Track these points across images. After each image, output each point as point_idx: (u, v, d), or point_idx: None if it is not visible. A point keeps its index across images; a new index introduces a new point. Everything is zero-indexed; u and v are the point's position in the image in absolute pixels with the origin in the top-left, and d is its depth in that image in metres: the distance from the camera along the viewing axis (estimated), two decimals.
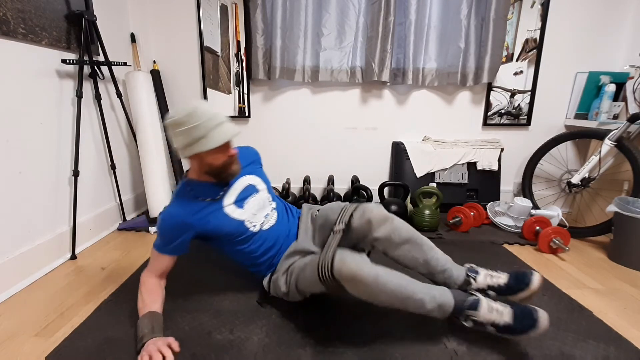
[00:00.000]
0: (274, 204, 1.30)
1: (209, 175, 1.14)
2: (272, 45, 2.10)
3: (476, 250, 1.73)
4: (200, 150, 1.02)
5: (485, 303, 1.01)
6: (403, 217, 1.54)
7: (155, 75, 2.18)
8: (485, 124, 2.31)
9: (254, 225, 1.20)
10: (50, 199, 1.56)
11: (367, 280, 0.94)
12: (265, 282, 1.26)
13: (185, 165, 2.33)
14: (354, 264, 0.95)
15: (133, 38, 2.16)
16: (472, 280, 1.12)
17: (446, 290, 1.04)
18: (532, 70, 2.20)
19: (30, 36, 1.44)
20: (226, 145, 1.08)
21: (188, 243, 1.16)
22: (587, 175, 1.93)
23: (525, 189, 2.22)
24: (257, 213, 1.22)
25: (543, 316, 0.95)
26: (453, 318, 1.04)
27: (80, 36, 1.66)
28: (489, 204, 2.14)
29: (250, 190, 1.23)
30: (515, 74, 2.21)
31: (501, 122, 2.30)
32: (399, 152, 2.29)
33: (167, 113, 1.11)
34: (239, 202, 1.20)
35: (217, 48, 2.20)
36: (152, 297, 1.11)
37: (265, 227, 1.22)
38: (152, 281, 1.15)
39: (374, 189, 2.24)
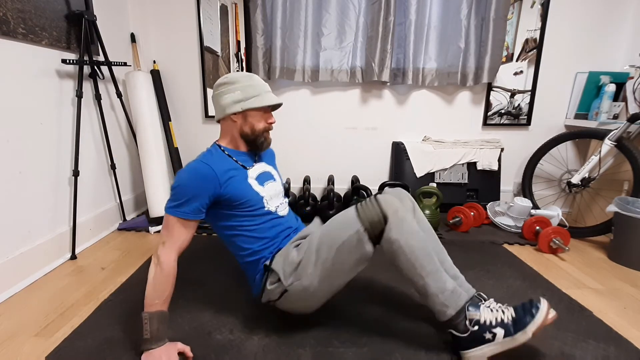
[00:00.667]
0: (285, 199, 1.32)
1: (245, 139, 1.19)
2: (272, 45, 2.10)
3: (476, 250, 1.73)
4: (252, 106, 1.13)
5: (484, 304, 1.00)
6: None
7: (155, 75, 2.18)
8: (485, 124, 2.31)
9: (270, 206, 1.20)
10: (50, 199, 1.56)
11: (408, 217, 1.01)
12: (267, 265, 1.13)
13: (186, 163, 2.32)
14: (399, 202, 1.03)
15: (133, 38, 2.16)
16: (482, 299, 1.07)
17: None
18: (532, 70, 2.20)
19: (30, 36, 1.44)
20: (270, 112, 1.20)
21: (206, 207, 1.09)
22: (587, 175, 1.93)
23: (525, 189, 2.22)
24: (273, 197, 1.23)
25: (543, 302, 0.94)
26: (456, 324, 0.98)
27: (80, 36, 1.66)
28: (489, 204, 2.14)
29: (268, 176, 1.27)
30: (515, 74, 2.21)
31: (501, 122, 2.30)
32: (399, 152, 2.29)
33: (217, 80, 1.23)
34: (260, 180, 1.22)
35: (217, 48, 2.20)
36: (168, 291, 1.02)
37: (279, 213, 1.22)
38: (172, 265, 1.03)
39: (374, 189, 2.24)
